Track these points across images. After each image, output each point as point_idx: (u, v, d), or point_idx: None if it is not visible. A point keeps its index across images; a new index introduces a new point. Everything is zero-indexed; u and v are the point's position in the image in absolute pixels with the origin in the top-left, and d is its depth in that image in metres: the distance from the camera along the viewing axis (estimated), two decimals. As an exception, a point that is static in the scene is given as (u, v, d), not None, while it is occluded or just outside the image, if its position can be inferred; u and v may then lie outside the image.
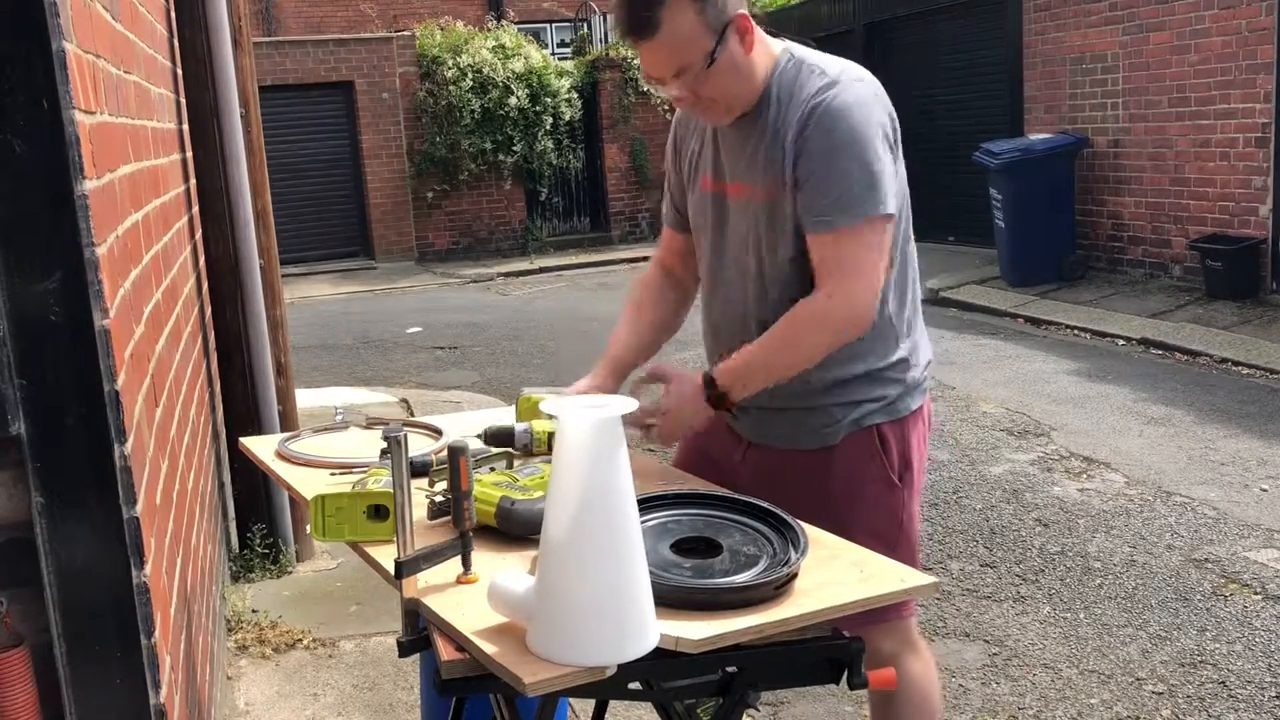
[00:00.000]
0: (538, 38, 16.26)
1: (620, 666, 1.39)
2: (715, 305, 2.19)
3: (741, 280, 2.10)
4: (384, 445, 2.02)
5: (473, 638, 1.42)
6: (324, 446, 2.30)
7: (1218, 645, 3.40)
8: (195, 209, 3.83)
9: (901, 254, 2.08)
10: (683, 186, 2.25)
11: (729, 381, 2.00)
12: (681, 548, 1.64)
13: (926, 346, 2.20)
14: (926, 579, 1.59)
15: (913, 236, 2.14)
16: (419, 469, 1.93)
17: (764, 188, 2.00)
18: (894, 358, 2.09)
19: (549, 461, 1.99)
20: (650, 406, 2.02)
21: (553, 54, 15.43)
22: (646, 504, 1.74)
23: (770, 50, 2.01)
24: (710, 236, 2.15)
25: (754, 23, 1.95)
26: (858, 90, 1.94)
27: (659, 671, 1.54)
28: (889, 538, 2.03)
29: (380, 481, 1.80)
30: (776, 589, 1.52)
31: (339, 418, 2.48)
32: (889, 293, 2.05)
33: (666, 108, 13.28)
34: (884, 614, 2.05)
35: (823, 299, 1.93)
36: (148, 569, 1.47)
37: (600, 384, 2.19)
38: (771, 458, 2.15)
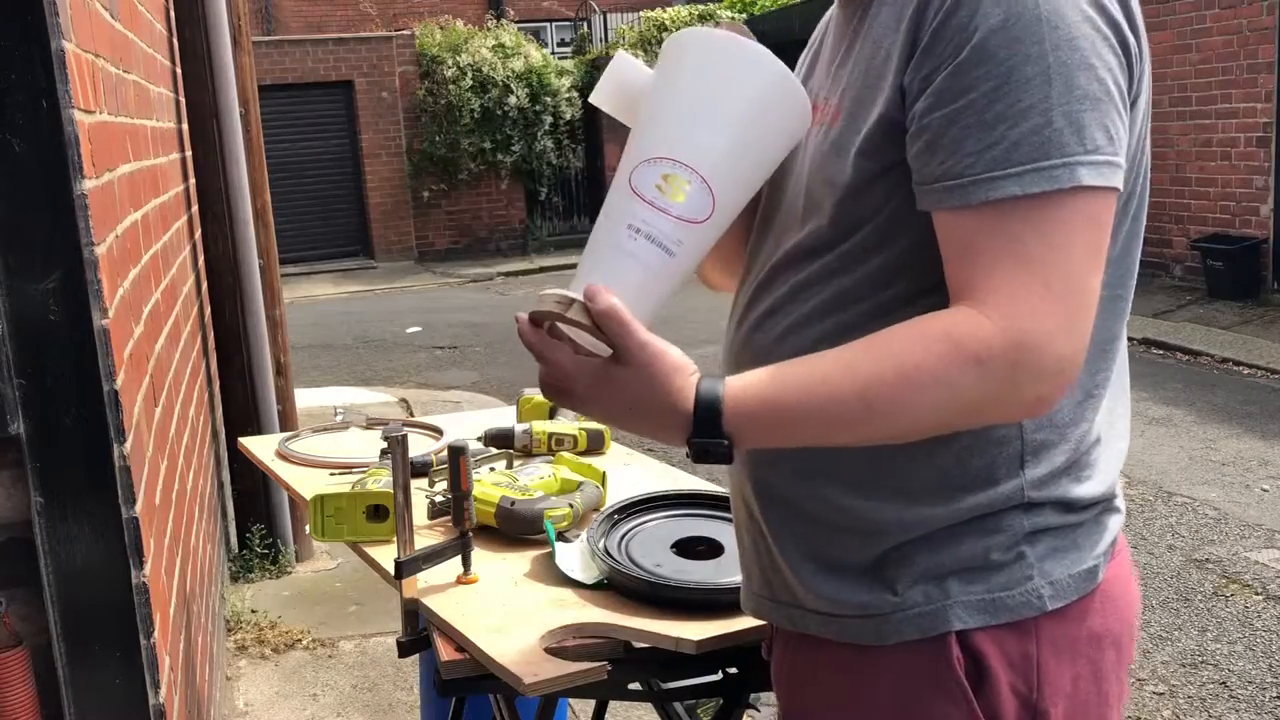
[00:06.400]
0: (538, 37, 16.25)
1: (620, 667, 1.39)
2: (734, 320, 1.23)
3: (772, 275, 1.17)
4: (384, 445, 2.02)
5: (473, 638, 1.42)
6: (324, 446, 2.30)
7: (1219, 645, 3.40)
8: (194, 208, 3.82)
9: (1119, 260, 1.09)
10: None
11: (743, 413, 1.01)
12: (682, 548, 1.64)
13: (1114, 448, 1.19)
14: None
15: (1141, 230, 1.12)
16: (419, 469, 1.93)
17: (839, 103, 1.11)
18: (1038, 472, 1.10)
19: (549, 461, 1.99)
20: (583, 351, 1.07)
21: (553, 53, 15.42)
22: (647, 504, 1.74)
23: None
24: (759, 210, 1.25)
25: None
26: None
27: (659, 671, 1.53)
28: None
29: (380, 481, 1.80)
30: (777, 589, 1.51)
31: (339, 417, 2.48)
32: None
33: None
34: None
35: (977, 320, 0.96)
36: (147, 569, 1.47)
37: None
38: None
